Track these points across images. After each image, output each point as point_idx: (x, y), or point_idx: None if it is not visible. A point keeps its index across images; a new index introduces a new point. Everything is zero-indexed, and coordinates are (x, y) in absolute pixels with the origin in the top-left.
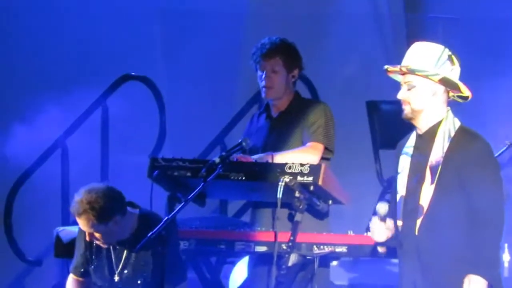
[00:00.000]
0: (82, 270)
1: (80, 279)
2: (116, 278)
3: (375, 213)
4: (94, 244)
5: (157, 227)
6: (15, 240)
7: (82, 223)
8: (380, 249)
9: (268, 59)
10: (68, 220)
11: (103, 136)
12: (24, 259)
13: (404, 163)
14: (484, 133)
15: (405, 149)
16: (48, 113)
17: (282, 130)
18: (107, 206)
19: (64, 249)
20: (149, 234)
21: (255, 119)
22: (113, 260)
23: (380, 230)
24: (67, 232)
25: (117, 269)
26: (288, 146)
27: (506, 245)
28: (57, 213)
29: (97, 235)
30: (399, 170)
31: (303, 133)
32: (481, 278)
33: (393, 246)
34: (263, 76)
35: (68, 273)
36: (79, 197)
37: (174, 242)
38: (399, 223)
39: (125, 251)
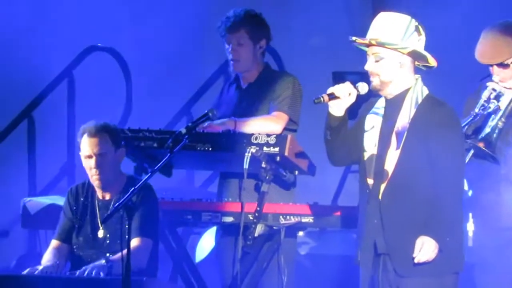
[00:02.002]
0: (66, 235)
1: (61, 244)
2: (100, 233)
3: None
4: (80, 208)
5: (138, 184)
6: None
7: (97, 142)
8: (325, 97)
9: (233, 32)
10: (35, 191)
11: (69, 107)
12: None
13: (373, 122)
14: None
15: (374, 109)
16: (14, 84)
17: (250, 101)
18: (119, 133)
19: (31, 220)
20: (130, 192)
21: (225, 90)
22: (98, 218)
23: (345, 88)
24: (34, 203)
25: (101, 225)
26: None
27: (470, 214)
28: (24, 184)
29: (103, 161)
30: (366, 129)
31: (269, 104)
32: (433, 240)
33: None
34: (230, 49)
35: (36, 243)
36: (92, 122)
37: (151, 204)
38: (370, 181)
39: (110, 209)
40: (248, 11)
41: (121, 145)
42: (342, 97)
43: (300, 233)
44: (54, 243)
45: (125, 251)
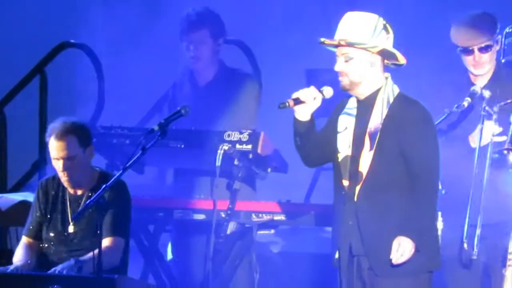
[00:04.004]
0: (36, 231)
1: (32, 241)
2: (70, 229)
3: None
4: (50, 203)
5: (110, 181)
6: None
7: (64, 145)
8: (290, 102)
9: (196, 31)
10: (6, 188)
11: (41, 104)
12: None
13: (346, 123)
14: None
15: (346, 110)
16: None
17: (210, 101)
18: (87, 131)
19: (2, 217)
20: (101, 189)
21: (178, 87)
22: (68, 213)
23: (310, 92)
24: (5, 199)
25: (71, 222)
26: (216, 119)
27: (439, 213)
28: None
29: (72, 164)
30: (339, 130)
31: (233, 113)
32: (410, 240)
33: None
34: (191, 47)
35: (6, 240)
36: (59, 122)
37: (124, 202)
38: (345, 183)
39: (81, 204)
40: (209, 10)
41: (90, 144)
42: (307, 101)
43: (272, 231)
44: (24, 239)
45: (96, 250)
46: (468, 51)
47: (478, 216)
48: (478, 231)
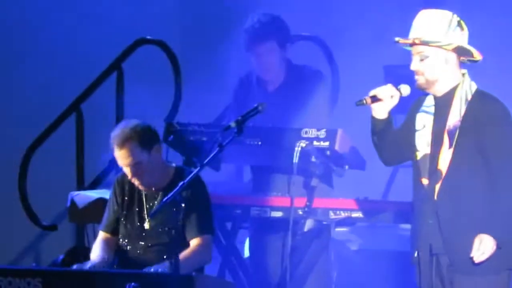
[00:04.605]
0: (113, 226)
1: (109, 236)
2: (147, 225)
3: None
4: (126, 198)
5: (187, 179)
6: (30, 205)
7: (127, 153)
8: (367, 99)
9: (263, 43)
10: (83, 185)
11: (118, 101)
12: (39, 224)
13: (424, 121)
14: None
15: (423, 108)
16: (62, 76)
17: (280, 104)
18: (149, 133)
19: (79, 214)
20: (178, 186)
21: (245, 86)
22: (145, 209)
23: (387, 90)
24: (82, 197)
25: (147, 217)
26: (287, 118)
27: None
28: (72, 177)
29: (139, 170)
30: (417, 128)
31: (305, 111)
32: (492, 238)
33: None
34: (259, 59)
35: (83, 238)
36: (118, 129)
37: (203, 198)
38: (424, 181)
39: (158, 200)
40: (273, 17)
41: (154, 144)
42: (385, 99)
43: (345, 229)
44: (101, 235)
45: (184, 252)
46: None
47: None
48: None
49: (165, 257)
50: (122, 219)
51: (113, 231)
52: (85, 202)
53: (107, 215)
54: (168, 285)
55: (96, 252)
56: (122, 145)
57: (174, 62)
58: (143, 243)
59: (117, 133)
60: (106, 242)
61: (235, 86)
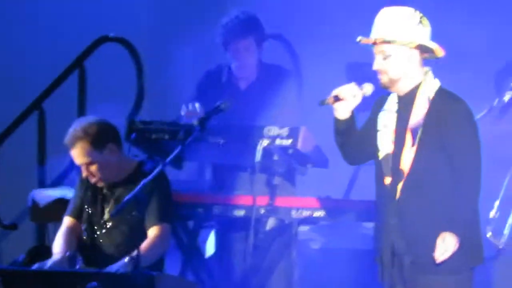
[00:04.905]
0: (79, 211)
1: (75, 221)
2: (107, 216)
3: None
4: (90, 187)
5: (148, 177)
6: None
7: (78, 153)
8: (330, 99)
9: (242, 39)
10: (44, 184)
11: (80, 98)
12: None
13: (387, 120)
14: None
15: (386, 107)
16: (24, 75)
17: (251, 102)
18: (101, 131)
19: (40, 213)
20: (139, 185)
21: (214, 80)
22: (108, 203)
23: (350, 89)
24: (43, 196)
25: (108, 215)
26: (258, 117)
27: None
28: (33, 176)
29: (93, 169)
30: (379, 127)
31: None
32: (454, 236)
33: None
34: (236, 55)
35: (44, 237)
36: (71, 129)
37: (164, 188)
38: (387, 180)
39: (117, 193)
40: (252, 16)
41: (107, 143)
42: (347, 98)
43: (307, 227)
44: (67, 221)
45: (141, 245)
46: None
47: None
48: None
49: (126, 250)
50: (86, 206)
51: (79, 216)
52: (46, 201)
53: (73, 201)
54: (129, 285)
55: (59, 245)
56: (73, 144)
57: (136, 60)
58: (104, 231)
59: (69, 132)
60: (71, 229)
61: (201, 77)
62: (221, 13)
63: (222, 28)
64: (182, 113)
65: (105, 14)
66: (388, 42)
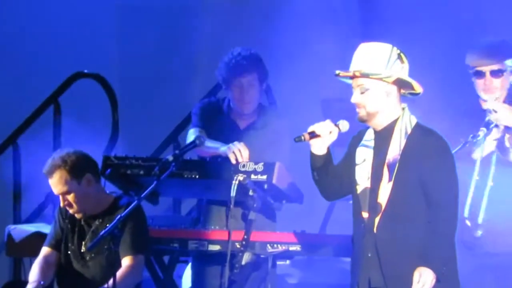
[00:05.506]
0: (57, 242)
1: (52, 251)
2: (84, 248)
3: None
4: (68, 220)
5: (124, 213)
6: None
7: (56, 182)
8: (306, 135)
9: (246, 75)
10: (20, 219)
11: (55, 134)
12: None
13: (364, 155)
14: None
15: (363, 142)
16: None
17: (249, 143)
18: (79, 162)
19: (16, 247)
20: (115, 220)
21: (215, 110)
22: (85, 236)
23: (326, 126)
24: (19, 230)
25: (86, 242)
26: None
27: None
28: (9, 212)
29: (70, 198)
30: (357, 162)
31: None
32: (431, 270)
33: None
34: (239, 91)
35: (20, 271)
36: (50, 158)
37: (139, 220)
38: (364, 214)
39: (94, 226)
40: (254, 53)
41: (84, 174)
42: (323, 135)
43: (287, 262)
44: (44, 250)
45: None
46: (479, 74)
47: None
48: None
49: (102, 282)
50: (63, 237)
51: (56, 246)
52: (22, 236)
53: (52, 232)
54: None
55: (35, 273)
56: (51, 173)
57: (111, 96)
58: (82, 262)
59: (48, 161)
60: (48, 259)
61: (204, 105)
62: (190, 44)
63: (225, 65)
64: (233, 161)
65: (76, 50)
66: (367, 75)
